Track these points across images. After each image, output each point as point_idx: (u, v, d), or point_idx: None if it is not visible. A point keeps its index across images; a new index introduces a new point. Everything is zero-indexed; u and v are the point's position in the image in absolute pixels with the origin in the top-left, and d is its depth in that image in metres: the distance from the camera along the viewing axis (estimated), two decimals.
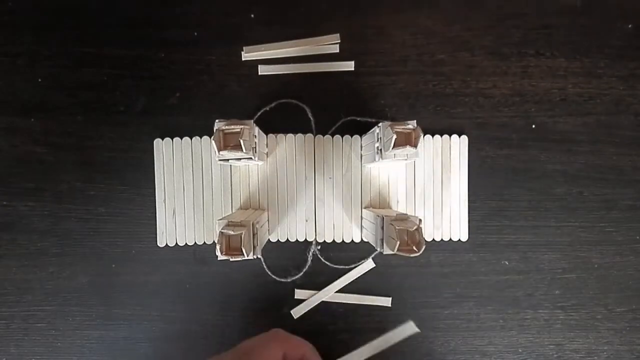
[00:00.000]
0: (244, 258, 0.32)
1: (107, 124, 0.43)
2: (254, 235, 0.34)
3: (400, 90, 0.43)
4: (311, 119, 0.43)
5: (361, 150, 0.43)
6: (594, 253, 0.44)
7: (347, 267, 0.43)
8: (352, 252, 0.43)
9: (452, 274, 0.44)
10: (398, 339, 0.26)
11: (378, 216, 0.36)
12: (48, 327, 0.43)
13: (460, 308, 0.44)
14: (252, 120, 0.33)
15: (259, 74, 0.43)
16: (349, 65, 0.43)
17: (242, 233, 0.32)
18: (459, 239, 0.43)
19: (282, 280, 0.43)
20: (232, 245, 0.32)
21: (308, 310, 0.43)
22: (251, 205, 0.43)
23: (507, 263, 0.44)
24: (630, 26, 0.44)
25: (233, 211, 0.42)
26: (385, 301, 0.43)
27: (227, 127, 0.32)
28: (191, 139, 0.43)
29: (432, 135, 0.43)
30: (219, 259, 0.32)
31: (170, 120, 0.43)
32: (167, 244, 0.43)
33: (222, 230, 0.32)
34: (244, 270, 0.43)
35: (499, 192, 0.44)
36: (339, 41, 0.43)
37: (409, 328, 0.27)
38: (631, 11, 0.43)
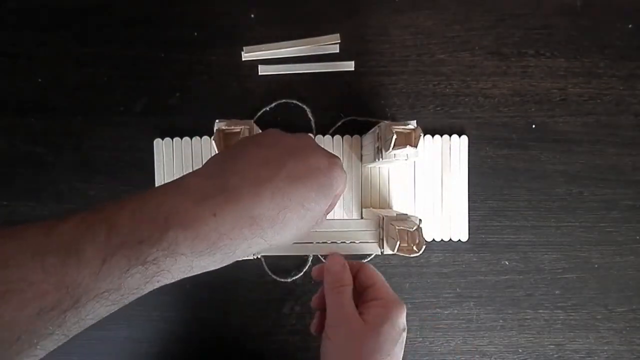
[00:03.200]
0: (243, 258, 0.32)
1: (107, 124, 0.43)
2: None
3: (400, 90, 0.43)
4: (311, 119, 0.43)
5: (361, 150, 0.43)
6: (594, 253, 0.44)
7: None
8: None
9: (452, 274, 0.44)
10: None
11: (378, 216, 0.36)
12: None
13: (460, 308, 0.44)
14: (252, 120, 0.33)
15: (259, 74, 0.43)
16: (349, 65, 0.43)
17: None
18: (459, 239, 0.43)
19: (282, 280, 0.43)
20: None
21: (307, 311, 0.43)
22: None
23: (507, 263, 0.44)
24: (630, 26, 0.44)
25: None
26: None
27: (227, 127, 0.32)
28: (191, 139, 0.43)
29: (432, 135, 0.43)
30: None
31: (170, 120, 0.43)
32: None
33: None
34: (244, 270, 0.43)
35: (499, 192, 0.44)
36: (339, 41, 0.43)
37: None
38: (631, 11, 0.43)
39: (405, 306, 0.29)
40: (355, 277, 0.30)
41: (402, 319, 0.28)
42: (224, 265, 0.24)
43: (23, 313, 0.17)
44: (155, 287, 0.21)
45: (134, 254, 0.19)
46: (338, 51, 0.43)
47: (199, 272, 0.23)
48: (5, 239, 0.18)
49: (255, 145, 0.26)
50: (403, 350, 0.29)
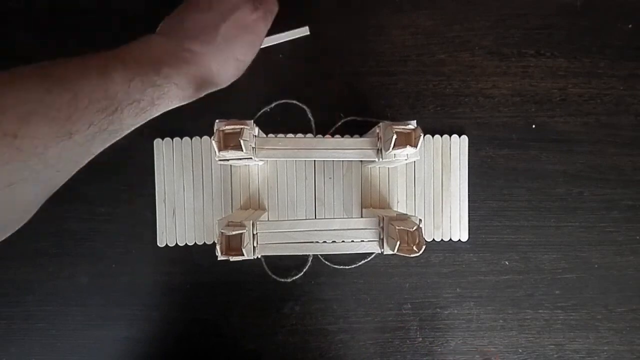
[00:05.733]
0: (244, 258, 0.32)
1: None
2: (254, 235, 0.34)
3: (400, 90, 0.43)
4: (311, 119, 0.43)
5: None
6: (594, 253, 0.44)
7: (347, 267, 0.43)
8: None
9: (452, 274, 0.44)
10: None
11: (378, 216, 0.36)
12: (48, 327, 0.43)
13: (460, 308, 0.44)
14: (252, 120, 0.33)
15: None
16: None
17: (242, 233, 0.32)
18: (459, 239, 0.43)
19: (282, 280, 0.43)
20: (232, 245, 0.32)
21: (307, 311, 0.43)
22: (251, 206, 0.43)
23: (507, 263, 0.44)
24: (630, 26, 0.44)
25: (233, 211, 0.42)
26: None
27: (227, 127, 0.32)
28: (191, 139, 0.43)
29: (432, 135, 0.43)
30: (219, 259, 0.32)
31: (170, 120, 0.43)
32: (167, 244, 0.43)
33: (222, 230, 0.32)
34: (244, 270, 0.43)
35: (499, 192, 0.44)
36: (308, 33, 0.42)
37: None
38: (631, 11, 0.44)
39: None
40: None
41: None
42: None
43: (89, 108, 0.27)
44: (164, 101, 0.33)
45: (146, 79, 0.30)
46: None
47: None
48: (54, 65, 0.28)
49: (196, 10, 0.35)
50: None
